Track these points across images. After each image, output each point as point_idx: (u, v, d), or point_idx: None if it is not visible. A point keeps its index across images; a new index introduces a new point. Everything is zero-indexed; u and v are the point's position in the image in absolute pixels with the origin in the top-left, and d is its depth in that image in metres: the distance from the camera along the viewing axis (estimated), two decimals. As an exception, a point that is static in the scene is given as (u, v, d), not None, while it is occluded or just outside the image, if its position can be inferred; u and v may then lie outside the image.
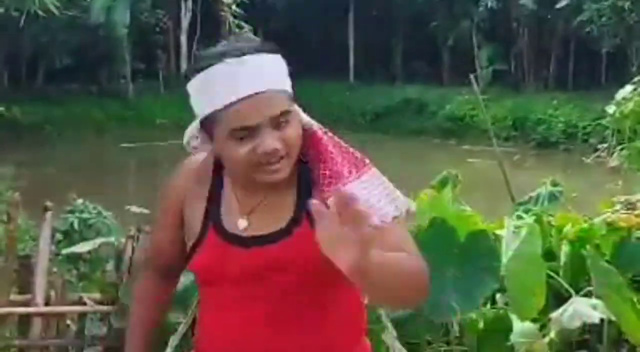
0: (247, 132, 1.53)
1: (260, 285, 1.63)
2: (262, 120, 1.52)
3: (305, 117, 1.66)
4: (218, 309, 1.69)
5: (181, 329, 1.88)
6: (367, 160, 1.64)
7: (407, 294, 1.49)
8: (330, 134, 1.67)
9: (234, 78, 1.51)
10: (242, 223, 1.65)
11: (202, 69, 1.55)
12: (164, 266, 1.84)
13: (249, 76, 1.52)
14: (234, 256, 1.64)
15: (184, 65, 31.67)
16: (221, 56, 1.54)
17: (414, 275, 1.50)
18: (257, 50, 1.56)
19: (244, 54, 1.53)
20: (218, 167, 1.69)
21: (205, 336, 1.73)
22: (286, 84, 1.59)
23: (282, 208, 1.63)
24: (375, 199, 1.59)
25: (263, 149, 1.52)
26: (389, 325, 1.72)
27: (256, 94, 1.51)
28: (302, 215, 1.61)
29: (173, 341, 1.86)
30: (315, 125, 1.67)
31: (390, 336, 1.72)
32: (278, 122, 1.53)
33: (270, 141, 1.52)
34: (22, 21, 18.18)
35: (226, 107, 1.52)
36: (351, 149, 1.66)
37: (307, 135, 1.64)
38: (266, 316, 1.63)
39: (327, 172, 1.61)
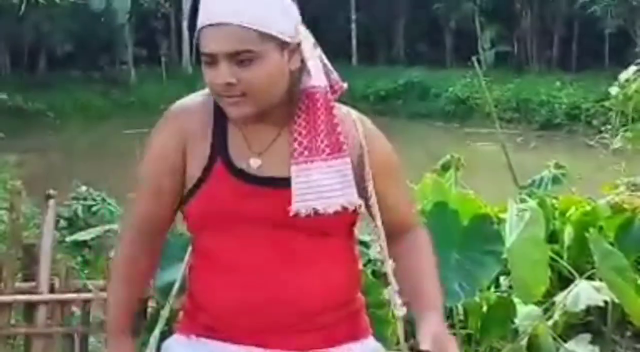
0: (208, 59, 1.53)
1: (266, 228, 1.59)
2: (219, 52, 1.52)
3: (318, 75, 1.62)
4: (217, 257, 1.63)
5: (166, 310, 1.82)
6: (345, 148, 1.60)
7: None
8: (333, 104, 1.62)
9: (214, 3, 1.53)
10: (255, 162, 1.60)
11: None
12: (154, 225, 1.70)
13: (225, 5, 1.52)
14: (244, 193, 1.59)
15: (185, 51, 31.62)
16: None
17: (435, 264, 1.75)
18: None
19: None
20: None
21: (202, 290, 1.66)
22: (270, 24, 1.53)
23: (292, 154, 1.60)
24: (328, 184, 1.59)
25: (216, 80, 1.53)
26: (393, 279, 1.72)
27: (221, 24, 1.51)
28: None
29: (159, 325, 1.80)
30: (322, 89, 1.61)
31: (392, 290, 1.72)
32: (238, 59, 1.52)
33: (222, 75, 1.52)
34: (22, 8, 18.13)
35: (200, 29, 1.55)
36: (338, 129, 1.61)
37: (307, 95, 1.61)
38: (271, 263, 1.59)
39: (305, 143, 1.59)
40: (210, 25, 1.52)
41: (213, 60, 1.53)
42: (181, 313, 1.77)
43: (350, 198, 1.60)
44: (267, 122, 1.61)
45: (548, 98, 24.67)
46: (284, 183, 1.59)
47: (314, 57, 1.63)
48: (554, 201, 4.24)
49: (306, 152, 1.59)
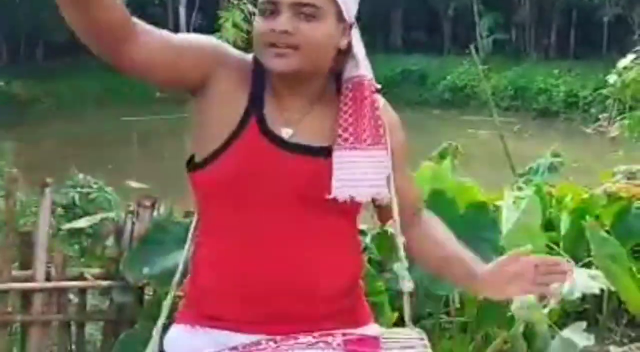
0: (270, 7, 1.54)
1: (288, 197, 1.57)
2: (283, 0, 1.53)
3: (367, 66, 1.67)
4: (228, 232, 1.59)
5: (169, 299, 1.79)
6: (384, 141, 1.64)
7: None
8: (376, 95, 1.67)
9: None
10: (287, 132, 1.59)
11: None
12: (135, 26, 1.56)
13: None
14: (275, 157, 1.57)
15: (183, 38, 31.52)
16: None
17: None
18: None
19: None
20: (260, 69, 1.60)
21: (208, 272, 1.62)
22: None
23: (327, 126, 1.61)
24: (366, 173, 1.61)
25: (274, 25, 1.53)
26: (403, 256, 1.74)
27: None
28: None
29: (162, 316, 1.77)
30: (369, 80, 1.65)
31: (402, 266, 1.74)
32: (301, 11, 1.54)
33: (283, 22, 1.53)
34: (19, -5, 18.06)
35: None
36: (380, 121, 1.64)
37: (354, 83, 1.64)
38: (286, 240, 1.58)
39: (350, 129, 1.60)
40: None
41: (275, 9, 1.54)
42: (182, 302, 1.73)
43: (383, 189, 1.63)
44: (302, 95, 1.61)
45: (546, 86, 24.67)
46: (313, 152, 1.59)
47: (361, 47, 1.68)
48: (551, 188, 4.24)
49: (351, 139, 1.60)
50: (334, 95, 1.65)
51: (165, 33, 1.61)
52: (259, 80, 1.61)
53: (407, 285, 1.73)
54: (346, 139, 1.60)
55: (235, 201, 1.57)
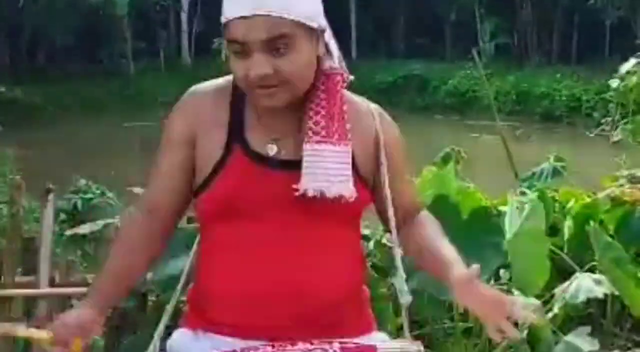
0: (240, 48, 1.53)
1: (281, 212, 1.59)
2: (254, 40, 1.51)
3: (338, 60, 1.66)
4: (227, 248, 1.62)
5: (171, 304, 1.81)
6: (350, 138, 1.62)
7: None
8: (345, 91, 1.67)
9: None
10: (272, 149, 1.62)
11: None
12: (163, 212, 1.69)
13: None
14: (264, 176, 1.60)
15: (184, 44, 31.58)
16: None
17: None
18: None
19: None
20: (238, 89, 1.63)
21: (216, 280, 1.64)
22: (298, 11, 1.54)
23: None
24: (335, 168, 1.60)
25: (253, 71, 1.52)
26: (400, 267, 1.73)
27: (254, 15, 1.51)
28: None
29: (164, 318, 1.79)
30: (340, 73, 1.65)
31: (400, 277, 1.74)
32: (274, 46, 1.52)
33: (258, 66, 1.52)
34: (22, 1, 18.10)
35: (229, 20, 1.54)
36: (346, 116, 1.63)
37: (327, 76, 1.63)
38: (284, 252, 1.59)
39: (322, 123, 1.60)
40: (242, 17, 1.52)
41: (245, 50, 1.53)
42: (186, 307, 1.76)
43: (349, 185, 1.61)
44: (287, 112, 1.62)
45: (548, 90, 24.64)
46: (299, 166, 1.60)
47: (333, 43, 1.67)
48: (554, 193, 4.23)
49: (323, 132, 1.60)
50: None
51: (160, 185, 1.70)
52: (238, 102, 1.64)
53: (405, 298, 1.74)
54: (317, 132, 1.60)
55: (231, 219, 1.61)
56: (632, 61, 6.77)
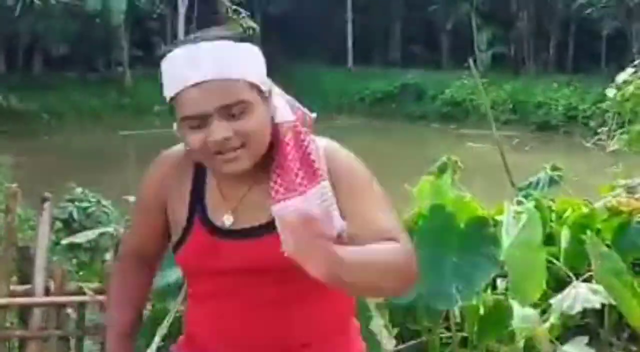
0: (197, 121, 1.51)
1: (247, 276, 1.61)
2: (211, 109, 1.50)
3: (283, 112, 1.61)
4: (204, 298, 1.69)
5: (168, 318, 1.85)
6: (320, 172, 1.57)
7: (390, 285, 1.49)
8: (301, 130, 1.60)
9: (187, 64, 1.50)
10: (228, 219, 1.62)
11: (164, 55, 1.55)
12: (145, 256, 1.82)
13: (202, 63, 1.49)
14: (221, 249, 1.62)
15: (182, 52, 31.58)
16: (181, 43, 1.55)
17: (394, 266, 1.47)
18: (221, 38, 1.53)
19: (202, 41, 1.52)
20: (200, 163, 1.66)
21: (194, 323, 1.73)
22: (251, 74, 1.54)
23: (266, 201, 1.59)
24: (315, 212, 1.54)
25: (212, 138, 1.50)
26: (374, 314, 1.71)
27: (205, 82, 1.49)
28: None
29: (161, 330, 1.83)
30: (288, 123, 1.60)
31: (376, 325, 1.72)
32: (230, 112, 1.51)
33: (219, 131, 1.50)
34: (18, 9, 18.12)
35: (177, 94, 1.52)
36: (312, 156, 1.58)
37: (276, 132, 1.60)
38: (252, 306, 1.62)
39: (279, 181, 1.57)
40: (195, 85, 1.49)
41: (202, 121, 1.51)
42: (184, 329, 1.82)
43: (337, 224, 1.55)
44: (242, 178, 1.60)
45: (544, 100, 24.73)
46: (259, 231, 1.60)
47: (277, 95, 1.64)
48: (551, 203, 4.22)
49: (281, 190, 1.57)
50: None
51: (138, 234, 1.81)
52: (200, 171, 1.66)
53: (388, 342, 1.73)
54: (277, 191, 1.57)
55: (203, 278, 1.67)
56: (629, 71, 6.78)
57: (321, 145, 1.64)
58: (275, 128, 1.59)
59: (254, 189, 1.62)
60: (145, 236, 1.77)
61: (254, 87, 1.54)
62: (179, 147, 1.69)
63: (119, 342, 1.79)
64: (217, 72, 1.50)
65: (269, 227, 1.57)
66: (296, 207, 1.52)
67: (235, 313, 1.64)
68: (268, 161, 1.60)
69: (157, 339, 1.81)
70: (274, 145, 1.60)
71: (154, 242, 1.77)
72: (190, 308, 1.75)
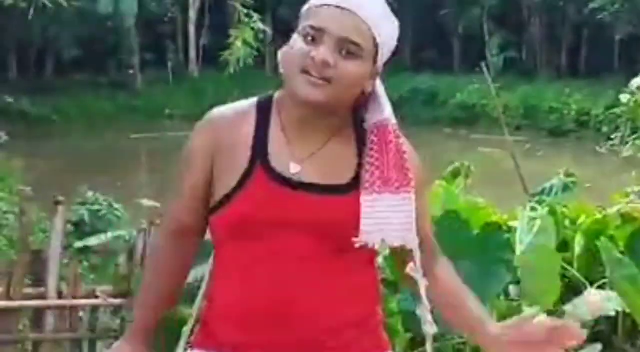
0: (315, 35, 1.56)
1: (305, 235, 1.58)
2: (335, 33, 1.55)
3: (390, 111, 1.68)
4: (246, 266, 1.61)
5: (195, 317, 1.82)
6: (413, 185, 1.63)
7: None
8: (401, 138, 1.67)
9: None
10: (295, 167, 1.61)
11: None
12: (189, 233, 1.72)
13: None
14: (286, 199, 1.59)
15: (192, 55, 31.68)
16: None
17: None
18: None
19: None
20: (265, 108, 1.66)
21: (222, 298, 1.66)
22: (383, 39, 1.60)
23: (342, 163, 1.63)
24: (395, 217, 1.62)
25: (317, 55, 1.54)
26: (425, 298, 1.73)
27: (348, 10, 1.56)
28: (359, 180, 1.62)
29: (182, 341, 1.79)
30: (393, 125, 1.66)
31: (424, 308, 1.73)
32: (344, 47, 1.55)
33: (326, 53, 1.54)
34: (30, 13, 18.21)
35: (319, 6, 1.58)
36: (407, 164, 1.64)
37: (378, 127, 1.65)
38: (297, 275, 1.59)
39: (377, 173, 1.61)
40: (337, 7, 1.56)
41: (319, 36, 1.56)
42: (198, 328, 1.76)
43: (411, 235, 1.63)
44: (315, 130, 1.63)
45: (557, 105, 24.65)
46: (321, 190, 1.60)
47: (383, 92, 1.69)
48: (564, 209, 4.20)
49: (379, 182, 1.61)
50: (351, 135, 1.67)
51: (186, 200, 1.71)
52: (263, 121, 1.65)
53: (430, 328, 1.73)
54: (373, 183, 1.61)
55: (244, 240, 1.61)
56: (643, 76, 6.76)
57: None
58: (378, 122, 1.65)
59: (329, 147, 1.63)
60: (192, 206, 1.68)
61: (376, 49, 1.59)
62: (233, 105, 1.71)
63: (147, 321, 1.73)
64: (363, 13, 1.56)
65: (345, 189, 1.61)
66: (386, 203, 1.59)
67: (277, 282, 1.59)
68: (351, 130, 1.66)
69: (182, 343, 1.78)
70: (375, 133, 1.64)
71: (201, 213, 1.68)
72: (223, 284, 1.66)
